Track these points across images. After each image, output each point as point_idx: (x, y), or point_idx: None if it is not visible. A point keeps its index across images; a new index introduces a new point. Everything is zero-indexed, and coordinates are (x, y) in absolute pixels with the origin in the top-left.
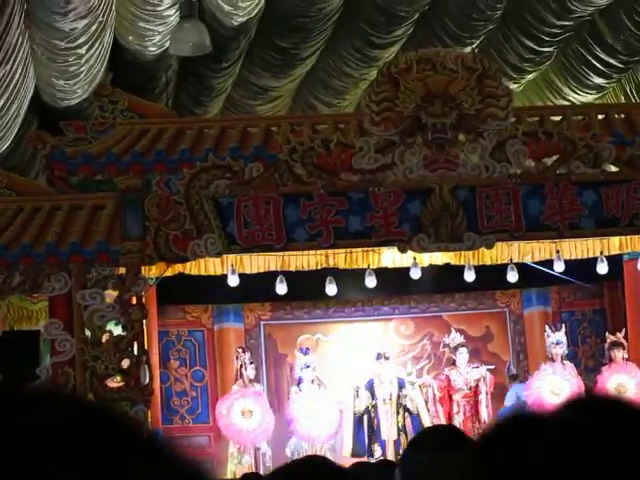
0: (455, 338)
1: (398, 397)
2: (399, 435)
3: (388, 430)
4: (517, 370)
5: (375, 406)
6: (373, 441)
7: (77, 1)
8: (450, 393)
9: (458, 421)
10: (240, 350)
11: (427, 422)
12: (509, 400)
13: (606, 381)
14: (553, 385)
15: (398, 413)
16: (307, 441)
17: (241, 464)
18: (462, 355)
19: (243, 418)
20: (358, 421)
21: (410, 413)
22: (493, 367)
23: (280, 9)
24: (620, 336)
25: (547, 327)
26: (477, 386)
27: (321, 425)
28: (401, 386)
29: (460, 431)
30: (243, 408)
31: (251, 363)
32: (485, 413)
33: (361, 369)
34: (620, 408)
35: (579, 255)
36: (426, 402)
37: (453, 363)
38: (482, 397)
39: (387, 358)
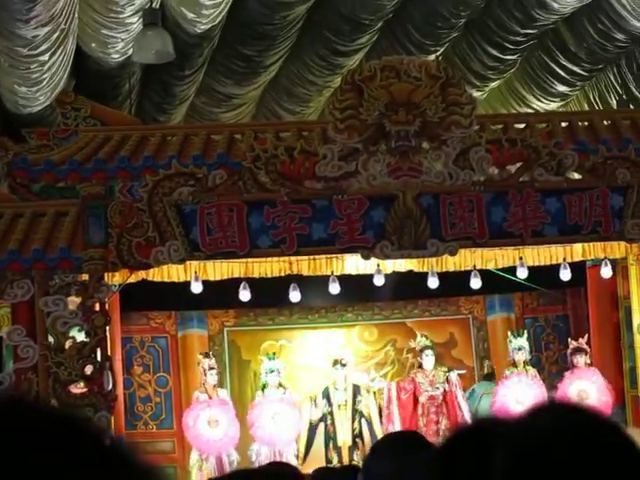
0: (421, 341)
1: (354, 403)
2: (355, 441)
3: (344, 436)
4: (481, 377)
5: (331, 413)
6: (330, 448)
7: (39, 8)
8: (416, 395)
9: (422, 423)
10: (201, 356)
11: (378, 429)
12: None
13: (568, 387)
14: (518, 393)
15: (354, 419)
16: (268, 444)
17: (201, 470)
18: (428, 357)
19: (209, 428)
20: (312, 431)
21: (366, 419)
22: (464, 372)
23: (244, 17)
24: (582, 342)
25: (510, 333)
26: (451, 391)
27: (282, 429)
28: (356, 392)
29: (421, 437)
30: (209, 418)
31: (211, 369)
32: (467, 416)
33: (324, 375)
34: (580, 417)
35: (542, 262)
36: (380, 407)
37: (420, 366)
38: (460, 400)
39: (344, 365)
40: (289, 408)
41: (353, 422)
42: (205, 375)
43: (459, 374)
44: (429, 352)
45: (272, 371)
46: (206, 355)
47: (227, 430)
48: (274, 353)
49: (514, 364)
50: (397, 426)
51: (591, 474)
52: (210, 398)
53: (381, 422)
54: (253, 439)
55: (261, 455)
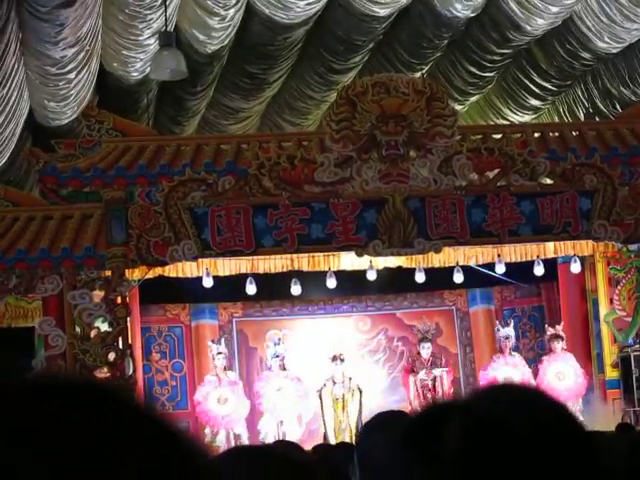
0: (425, 328)
1: (352, 395)
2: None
3: (343, 426)
4: (464, 362)
5: (331, 405)
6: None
7: (67, 31)
8: (414, 369)
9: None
10: (211, 342)
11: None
12: None
13: (546, 369)
14: (505, 374)
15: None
16: (272, 414)
17: (213, 444)
18: (424, 350)
19: (218, 404)
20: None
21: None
22: (446, 369)
23: (249, 38)
24: (559, 329)
25: (497, 323)
26: (434, 385)
27: (287, 401)
28: (352, 385)
29: (407, 413)
30: (219, 396)
31: (219, 353)
32: None
33: (322, 361)
34: (535, 396)
35: (518, 258)
36: (361, 401)
37: (418, 353)
38: (438, 398)
39: (342, 360)
40: (293, 382)
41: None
42: (214, 360)
43: (443, 371)
44: (425, 344)
45: (277, 356)
46: (216, 341)
47: (235, 407)
48: (279, 339)
49: (501, 351)
50: None
51: (550, 454)
52: (220, 380)
53: (360, 412)
54: (261, 414)
55: (267, 431)
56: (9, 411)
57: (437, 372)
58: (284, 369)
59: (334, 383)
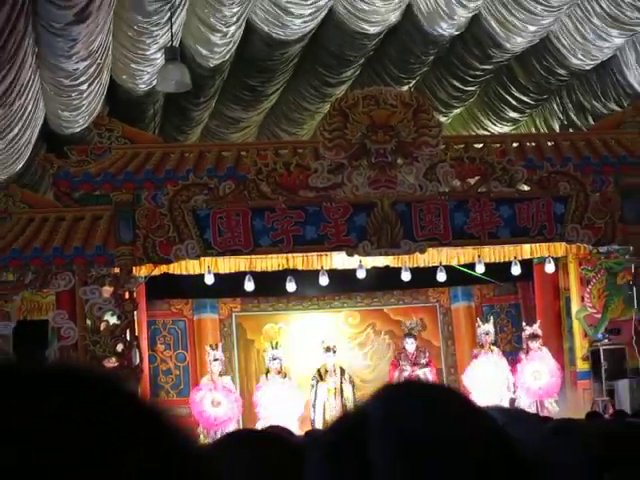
0: (411, 324)
1: (341, 383)
2: None
3: (334, 414)
4: (446, 355)
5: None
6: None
7: (79, 46)
8: (400, 364)
9: None
10: (208, 348)
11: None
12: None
13: (524, 368)
14: (486, 370)
15: (342, 398)
16: (269, 421)
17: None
18: (408, 345)
19: (212, 407)
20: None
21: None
22: (429, 369)
23: (249, 53)
24: (536, 327)
25: (478, 319)
26: None
27: (285, 409)
28: (342, 375)
29: None
30: (213, 399)
31: (216, 360)
32: None
33: (316, 353)
34: (428, 393)
35: (497, 259)
36: (354, 388)
37: (403, 348)
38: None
39: (335, 352)
40: (291, 391)
41: (342, 399)
42: (210, 364)
43: (425, 372)
44: (409, 340)
45: (275, 359)
46: (214, 347)
47: (227, 411)
48: (277, 342)
49: (481, 345)
50: None
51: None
52: (215, 385)
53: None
54: (257, 418)
55: None
56: (9, 410)
57: (420, 372)
58: (281, 370)
59: (326, 371)
